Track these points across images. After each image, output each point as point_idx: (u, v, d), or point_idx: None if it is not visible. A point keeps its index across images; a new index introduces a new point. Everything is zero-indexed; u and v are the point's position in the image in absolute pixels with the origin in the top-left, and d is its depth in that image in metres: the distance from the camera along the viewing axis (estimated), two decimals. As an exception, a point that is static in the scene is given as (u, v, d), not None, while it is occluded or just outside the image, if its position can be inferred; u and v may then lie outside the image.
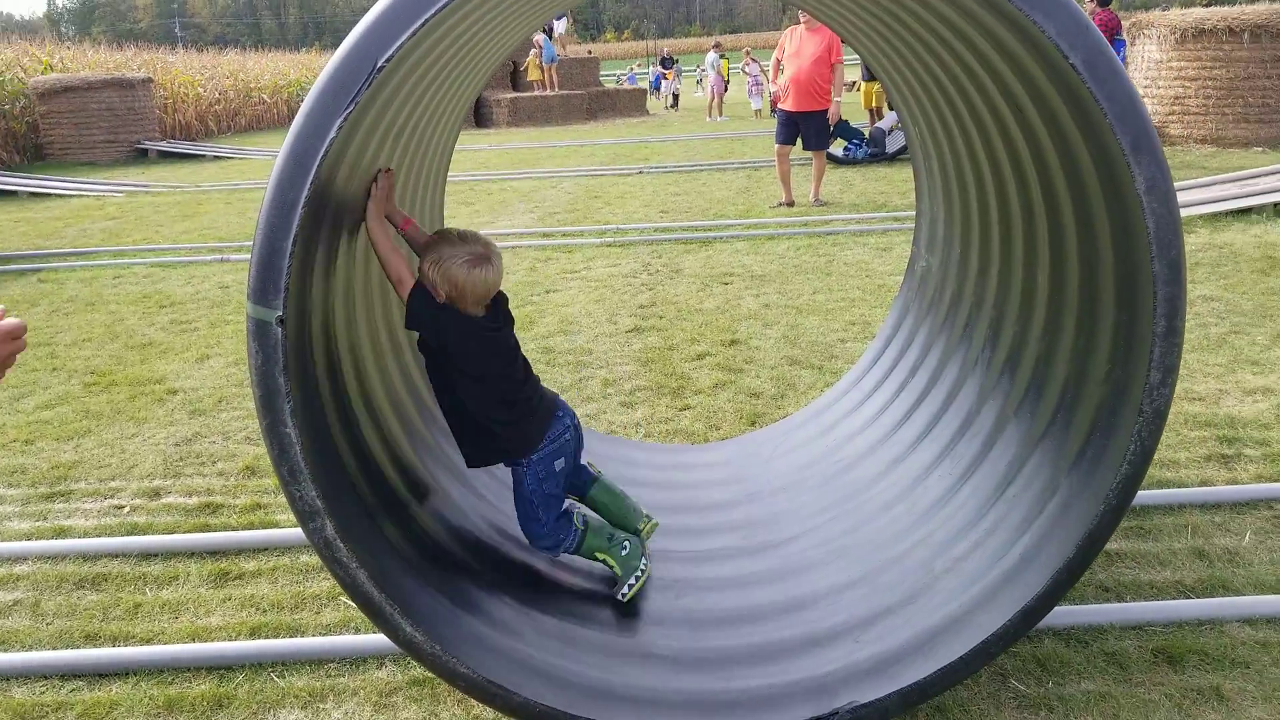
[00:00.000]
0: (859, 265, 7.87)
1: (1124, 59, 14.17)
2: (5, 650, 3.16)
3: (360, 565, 2.33)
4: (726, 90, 27.68)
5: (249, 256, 2.25)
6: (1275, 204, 8.73)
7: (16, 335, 1.91)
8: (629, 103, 29.62)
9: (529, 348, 6.09)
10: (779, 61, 11.10)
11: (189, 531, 3.90)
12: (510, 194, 13.18)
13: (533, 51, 27.53)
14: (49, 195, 14.87)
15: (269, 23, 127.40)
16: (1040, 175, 2.86)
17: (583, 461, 3.15)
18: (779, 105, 10.90)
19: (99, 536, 3.90)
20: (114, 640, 3.19)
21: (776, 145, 10.90)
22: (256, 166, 18.32)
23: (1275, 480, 3.82)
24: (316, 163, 2.16)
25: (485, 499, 3.34)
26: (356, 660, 3.02)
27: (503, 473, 3.22)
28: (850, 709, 2.47)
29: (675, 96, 31.87)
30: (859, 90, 16.77)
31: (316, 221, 2.36)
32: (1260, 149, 13.27)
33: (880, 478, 3.56)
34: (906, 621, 2.73)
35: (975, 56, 2.87)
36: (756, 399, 5.08)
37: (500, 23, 3.28)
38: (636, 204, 11.71)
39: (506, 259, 8.81)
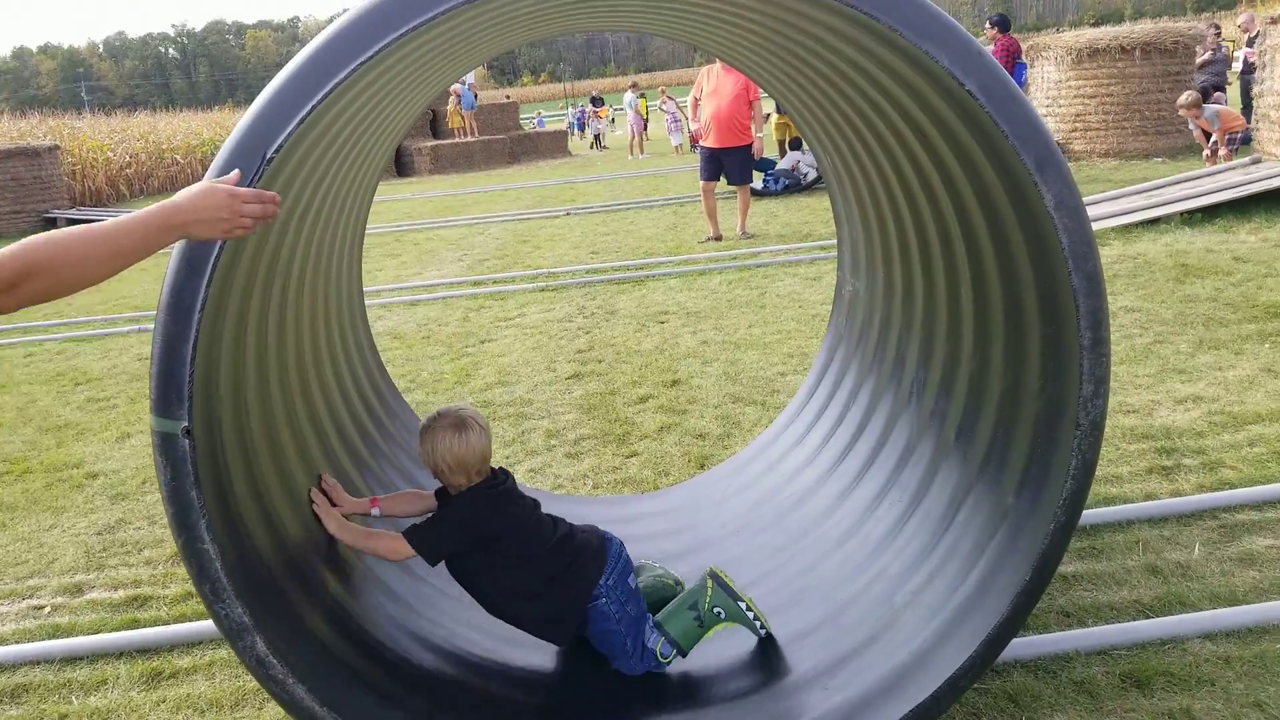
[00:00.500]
0: (791, 296, 7.92)
1: (1025, 82, 14.63)
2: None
3: (298, 680, 2.23)
4: (646, 128, 27.92)
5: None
6: (1181, 213, 9.05)
7: (250, 200, 1.92)
8: (551, 145, 29.73)
9: (466, 402, 6.00)
10: (697, 100, 11.22)
11: (116, 629, 3.65)
12: (437, 243, 13.08)
13: (451, 99, 27.52)
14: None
15: (179, 82, 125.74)
16: (953, 198, 2.88)
17: None
18: (702, 143, 11.01)
19: (17, 643, 3.61)
20: None
21: (701, 182, 11.00)
22: (173, 229, 17.90)
23: (1216, 489, 3.88)
24: (211, 263, 2.07)
25: (402, 601, 3.24)
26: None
27: (426, 571, 3.09)
28: (951, 680, 2.43)
29: (598, 137, 32.03)
30: (776, 121, 16.99)
31: (218, 319, 2.27)
32: (1160, 159, 13.83)
33: (830, 512, 3.54)
34: (873, 662, 2.69)
35: (877, 89, 2.89)
36: (703, 440, 5.04)
37: (405, 89, 3.22)
38: (566, 246, 11.69)
39: (437, 310, 8.76)
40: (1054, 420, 2.40)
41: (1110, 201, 10.09)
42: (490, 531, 2.79)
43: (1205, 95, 12.94)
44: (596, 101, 33.66)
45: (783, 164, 14.41)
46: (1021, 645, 3.00)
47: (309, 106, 2.08)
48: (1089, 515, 3.74)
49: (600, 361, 6.64)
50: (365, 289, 9.84)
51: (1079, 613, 3.20)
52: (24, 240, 1.68)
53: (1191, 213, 9.06)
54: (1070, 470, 2.28)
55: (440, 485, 2.89)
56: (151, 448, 2.17)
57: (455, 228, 14.42)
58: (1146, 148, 14.14)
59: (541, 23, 3.35)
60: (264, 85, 2.21)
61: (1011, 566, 2.45)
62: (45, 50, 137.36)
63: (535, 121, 38.69)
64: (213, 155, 28.30)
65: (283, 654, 2.24)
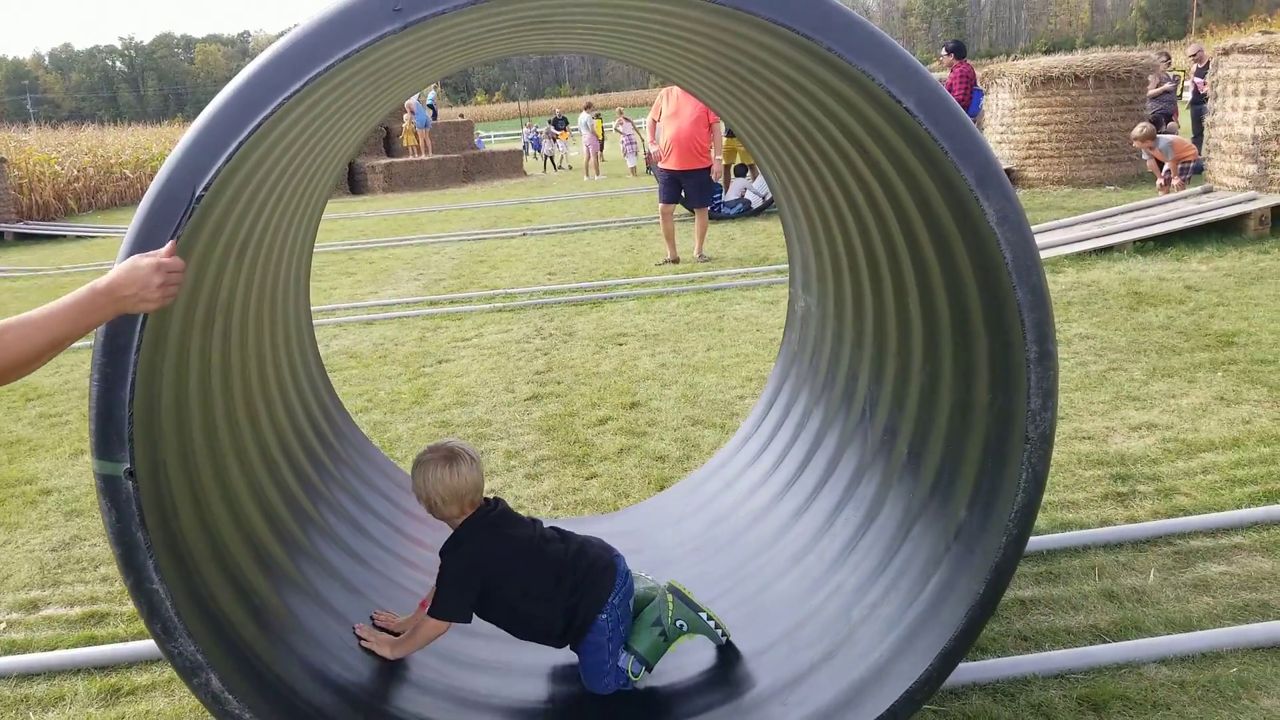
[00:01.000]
0: (749, 320, 7.96)
1: (980, 108, 14.86)
2: None
3: (255, 715, 2.21)
4: (603, 149, 27.98)
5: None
6: (1135, 241, 9.24)
7: (170, 267, 1.93)
8: (506, 164, 29.69)
9: (424, 421, 5.95)
10: (655, 122, 11.26)
11: (73, 646, 3.61)
12: (393, 261, 12.98)
13: (406, 116, 27.39)
14: (-105, 285, 14.01)
15: (126, 95, 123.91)
16: (898, 215, 2.91)
17: None
18: (661, 165, 11.03)
19: None
20: None
21: (660, 204, 11.03)
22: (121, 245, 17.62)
23: (1170, 516, 3.94)
24: (137, 328, 2.06)
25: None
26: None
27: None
28: (895, 704, 2.44)
29: (550, 158, 31.98)
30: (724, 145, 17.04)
31: (156, 356, 2.24)
32: (1112, 187, 14.07)
33: (786, 529, 3.55)
34: (830, 677, 2.70)
35: (819, 108, 2.91)
36: (662, 462, 5.04)
37: (345, 114, 3.19)
38: (523, 267, 11.66)
39: (393, 329, 8.69)
40: (1004, 434, 2.42)
41: (1064, 229, 10.28)
42: (497, 558, 2.80)
43: (1157, 124, 13.24)
44: (559, 123, 33.64)
45: (730, 194, 14.46)
46: (979, 669, 3.03)
47: (236, 143, 2.06)
48: (1045, 540, 3.79)
49: (559, 383, 6.61)
50: (320, 307, 9.81)
51: (1036, 637, 3.24)
52: None
53: (1144, 241, 9.27)
54: (1021, 484, 2.30)
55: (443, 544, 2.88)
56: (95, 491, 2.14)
57: (410, 247, 14.33)
58: (1099, 175, 14.39)
59: (479, 48, 3.35)
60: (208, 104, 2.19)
61: (965, 580, 2.47)
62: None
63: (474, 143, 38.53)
64: (163, 170, 28.16)
65: (238, 690, 2.22)
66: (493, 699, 2.90)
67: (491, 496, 2.93)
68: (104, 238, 19.36)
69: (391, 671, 2.86)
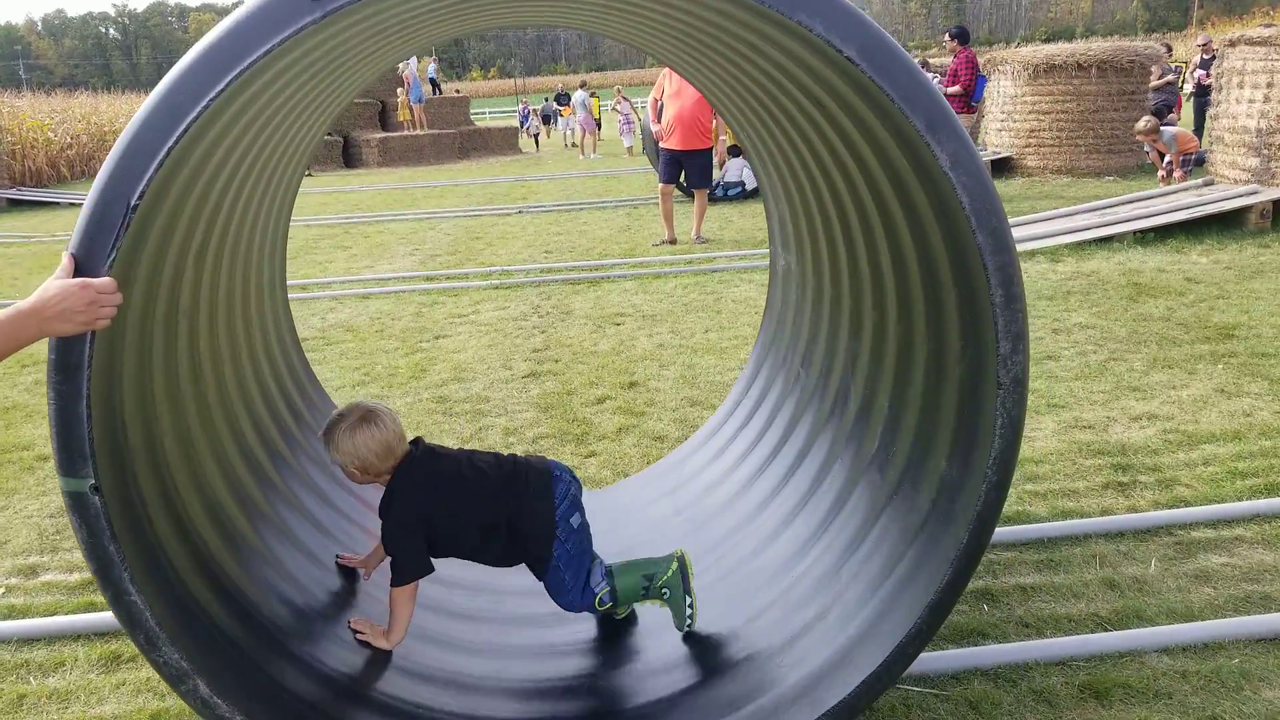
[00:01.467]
0: (747, 302, 7.93)
1: (983, 95, 14.75)
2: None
3: (245, 716, 2.22)
4: (600, 129, 27.83)
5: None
6: (1135, 232, 9.22)
7: (101, 290, 1.92)
8: (501, 141, 29.53)
9: (421, 397, 5.92)
10: (658, 101, 11.18)
11: (73, 611, 3.59)
12: (388, 236, 12.90)
13: (400, 90, 27.21)
14: (-115, 248, 13.88)
15: (120, 63, 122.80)
16: (860, 168, 2.88)
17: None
18: (663, 145, 10.94)
19: None
20: None
21: (660, 184, 10.96)
22: (115, 213, 17.47)
23: (1171, 506, 3.94)
24: (87, 345, 2.03)
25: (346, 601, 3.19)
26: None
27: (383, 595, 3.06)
28: (850, 695, 2.43)
29: (536, 139, 31.66)
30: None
31: (113, 366, 2.21)
32: (1111, 178, 14.02)
33: (777, 491, 3.55)
34: (824, 636, 2.70)
35: (772, 65, 2.87)
36: (661, 442, 5.02)
37: (298, 103, 3.14)
38: (519, 244, 11.60)
39: (390, 304, 8.64)
40: (977, 382, 2.40)
41: (1064, 218, 10.26)
42: (432, 498, 2.78)
43: (1158, 116, 13.19)
44: (562, 99, 33.39)
45: (730, 175, 14.38)
46: (981, 654, 3.04)
47: (165, 150, 2.03)
48: (1046, 528, 3.79)
49: (556, 361, 6.58)
50: (315, 280, 9.73)
51: (1038, 623, 3.23)
52: None
53: (1144, 232, 9.23)
54: (997, 430, 2.27)
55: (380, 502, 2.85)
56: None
57: (406, 222, 14.25)
58: (1099, 166, 14.32)
59: (431, 27, 3.31)
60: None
61: (950, 533, 2.44)
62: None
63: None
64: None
65: (227, 693, 2.22)
66: (486, 681, 2.88)
67: (412, 439, 2.89)
68: (96, 206, 19.18)
69: (385, 660, 2.84)
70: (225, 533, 2.75)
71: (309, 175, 24.06)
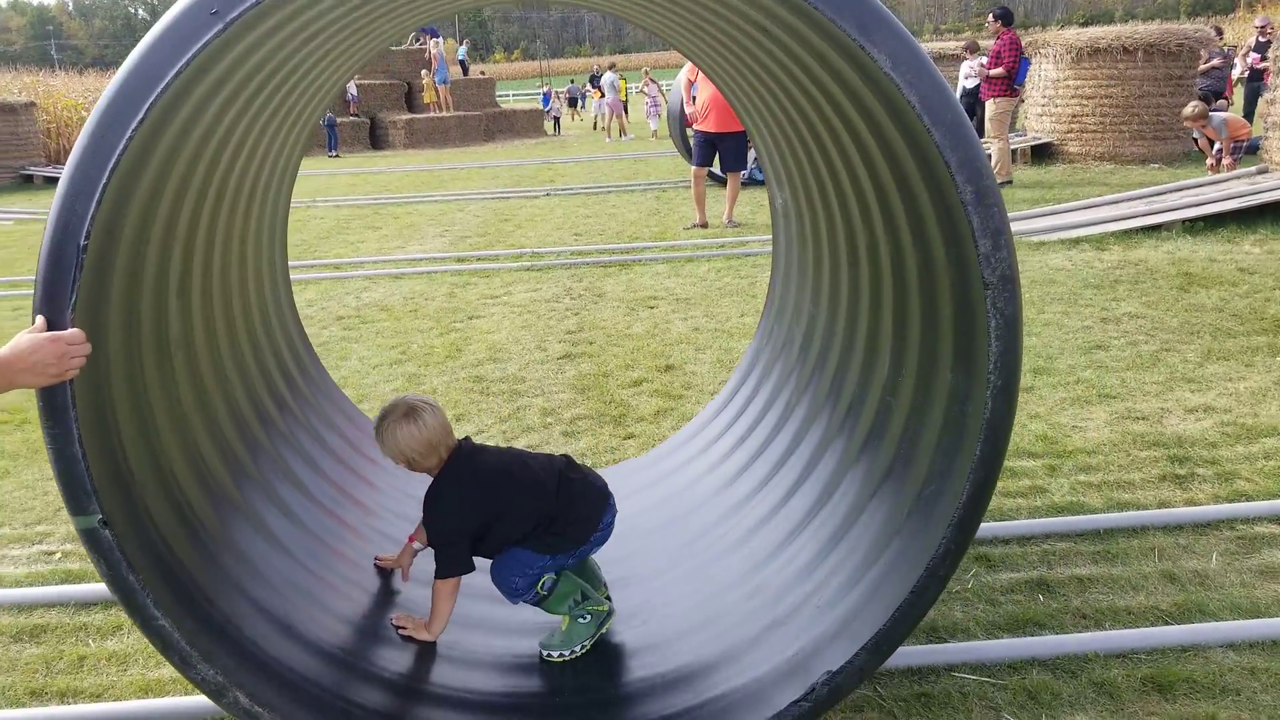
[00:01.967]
0: (783, 286, 7.83)
1: (1025, 78, 14.42)
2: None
3: None
4: (627, 112, 27.68)
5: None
6: (1184, 220, 8.92)
7: (72, 341, 1.95)
8: (527, 124, 29.46)
9: (458, 376, 5.87)
10: (691, 82, 11.06)
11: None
12: (418, 217, 12.87)
13: (424, 72, 27.15)
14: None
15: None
16: (821, 91, 2.83)
17: None
18: (697, 127, 10.81)
19: (31, 585, 3.67)
20: (61, 696, 3.00)
21: (693, 167, 10.85)
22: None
23: (1231, 500, 3.83)
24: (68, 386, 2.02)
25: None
26: None
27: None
28: (827, 680, 2.37)
29: (558, 120, 31.42)
30: None
31: (102, 397, 2.19)
32: (1157, 165, 13.66)
33: (794, 406, 3.52)
34: (858, 572, 2.62)
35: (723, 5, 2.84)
36: (700, 427, 4.94)
37: (273, 100, 3.08)
38: (548, 227, 11.53)
39: (422, 284, 8.60)
40: (964, 285, 2.30)
41: (1109, 206, 10.04)
42: (478, 498, 2.75)
43: (1206, 101, 12.86)
44: (595, 80, 33.23)
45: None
46: (1039, 644, 2.98)
47: (100, 188, 2.01)
48: (1102, 520, 3.70)
49: (591, 343, 6.52)
50: (348, 260, 9.71)
51: (1096, 615, 3.15)
52: None
53: (1194, 221, 8.93)
54: (993, 331, 2.17)
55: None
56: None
57: (434, 203, 14.21)
58: (1144, 153, 13.96)
59: (406, 13, 3.26)
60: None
61: (966, 446, 2.32)
62: (15, 6, 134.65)
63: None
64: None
65: (268, 702, 2.23)
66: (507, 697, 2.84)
67: (463, 437, 2.88)
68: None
69: (430, 652, 2.81)
70: (239, 547, 2.74)
71: (334, 156, 24.07)
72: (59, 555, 3.89)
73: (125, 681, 3.04)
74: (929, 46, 19.83)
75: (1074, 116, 14.32)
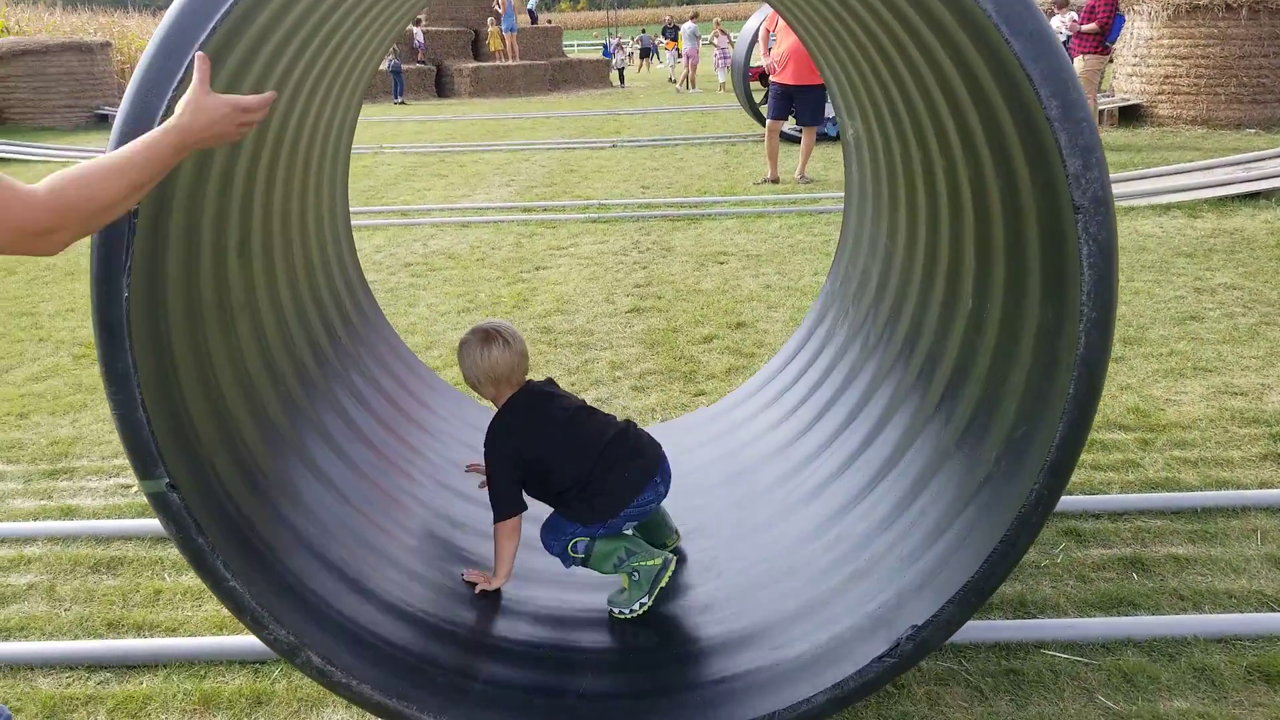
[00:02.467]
0: (857, 245, 7.63)
1: (1118, 36, 13.85)
2: (25, 638, 2.98)
3: (361, 680, 2.21)
4: (699, 63, 27.26)
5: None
6: (1286, 188, 8.46)
7: (251, 109, 1.90)
8: (592, 74, 29.17)
9: (526, 327, 5.79)
10: (770, 32, 10.77)
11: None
12: (483, 166, 12.80)
13: (490, 20, 26.96)
14: (11, 160, 14.26)
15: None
16: (895, 15, 2.71)
17: None
18: (774, 78, 10.51)
19: (108, 518, 3.69)
20: (137, 629, 3.02)
21: (769, 119, 10.58)
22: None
23: (1340, 481, 3.63)
24: (124, 327, 1.97)
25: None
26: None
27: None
28: (912, 634, 2.26)
29: (621, 72, 30.91)
30: None
31: (163, 360, 2.15)
32: (1253, 130, 13.00)
33: (870, 393, 3.36)
34: (943, 521, 2.49)
35: None
36: (773, 386, 4.82)
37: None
38: (615, 178, 11.39)
39: (489, 233, 8.53)
40: (1054, 209, 2.11)
41: (1203, 171, 9.61)
42: (532, 439, 2.71)
43: None
44: (668, 32, 32.58)
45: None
46: (1134, 624, 2.85)
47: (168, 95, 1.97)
48: (1199, 498, 3.52)
49: (660, 298, 6.40)
50: (415, 207, 9.68)
51: (1194, 597, 3.00)
52: (50, 184, 1.63)
53: (1297, 189, 8.46)
54: (1084, 259, 1.98)
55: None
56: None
57: (500, 152, 14.13)
58: (1239, 117, 13.24)
59: None
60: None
61: (1057, 388, 2.15)
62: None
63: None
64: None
65: (340, 662, 2.21)
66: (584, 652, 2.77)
67: (541, 379, 2.84)
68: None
69: (495, 605, 2.76)
70: (308, 503, 2.70)
71: (400, 103, 24.06)
72: (135, 489, 3.90)
73: (200, 617, 3.06)
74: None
75: (1166, 77, 13.68)
